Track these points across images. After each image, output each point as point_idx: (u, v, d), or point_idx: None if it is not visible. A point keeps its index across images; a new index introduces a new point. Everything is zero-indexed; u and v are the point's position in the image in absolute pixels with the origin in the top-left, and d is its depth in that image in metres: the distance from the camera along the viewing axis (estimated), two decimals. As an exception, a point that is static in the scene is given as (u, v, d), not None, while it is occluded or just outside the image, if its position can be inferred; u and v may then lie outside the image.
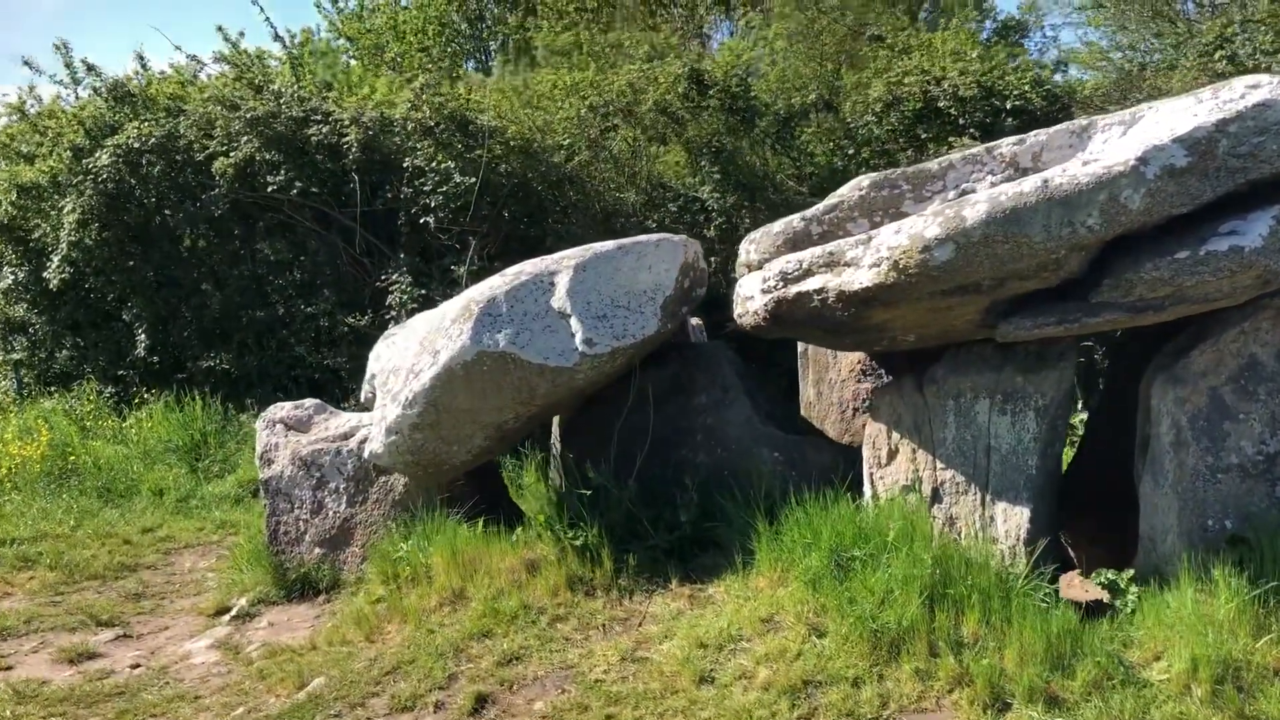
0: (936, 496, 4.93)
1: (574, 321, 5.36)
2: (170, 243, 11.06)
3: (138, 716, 4.85)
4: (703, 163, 9.29)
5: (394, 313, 9.51)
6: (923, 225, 4.18)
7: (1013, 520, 4.72)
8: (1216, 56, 9.33)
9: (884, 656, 4.26)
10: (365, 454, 5.95)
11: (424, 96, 9.57)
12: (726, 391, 5.88)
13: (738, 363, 6.19)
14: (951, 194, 4.77)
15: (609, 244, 5.65)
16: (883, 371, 6.55)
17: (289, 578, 6.41)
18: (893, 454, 5.08)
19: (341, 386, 10.28)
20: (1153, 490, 4.50)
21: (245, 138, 10.15)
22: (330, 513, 6.45)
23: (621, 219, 9.60)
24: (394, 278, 9.61)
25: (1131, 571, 4.52)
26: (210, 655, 5.65)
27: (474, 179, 9.25)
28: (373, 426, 5.98)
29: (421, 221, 9.62)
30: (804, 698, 4.13)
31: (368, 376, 7.31)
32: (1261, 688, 3.77)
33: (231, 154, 10.14)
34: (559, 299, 5.40)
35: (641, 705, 4.24)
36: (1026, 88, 8.88)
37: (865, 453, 5.22)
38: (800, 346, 7.11)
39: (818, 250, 4.66)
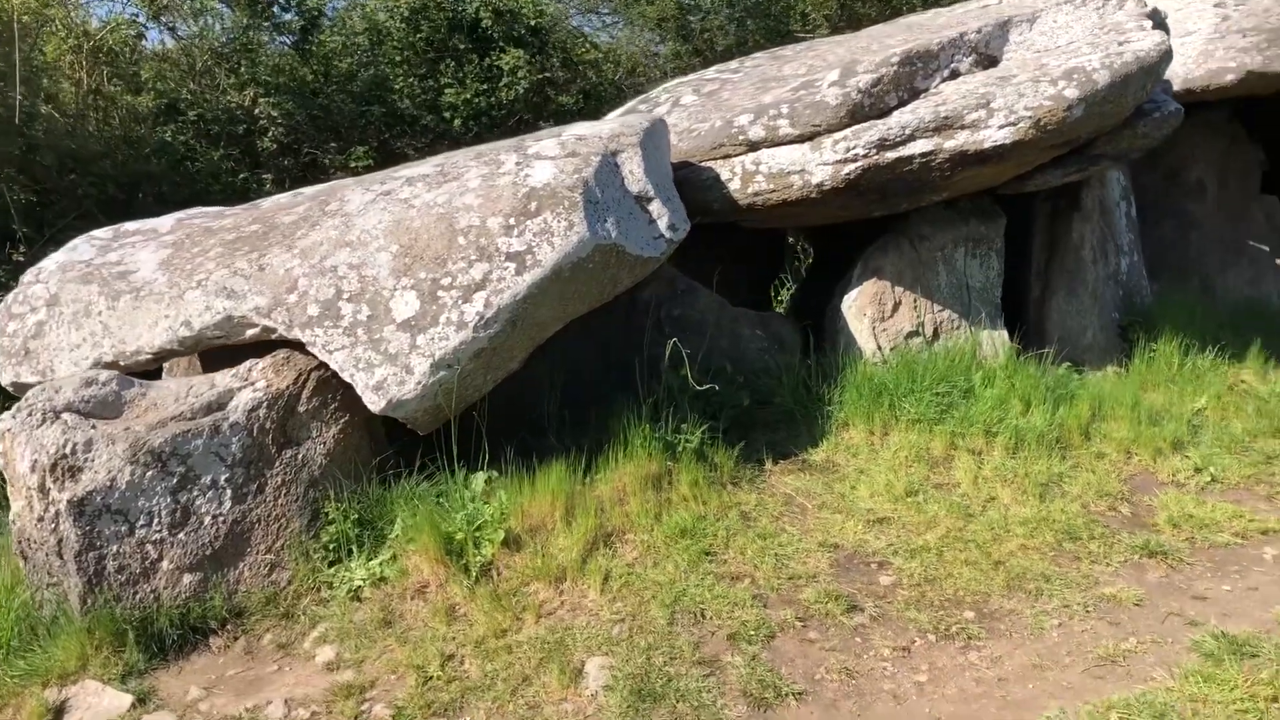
0: (936, 335, 5.72)
1: (656, 206, 4.74)
2: None
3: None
4: (240, 63, 7.68)
5: None
6: (1055, 89, 4.94)
7: (996, 342, 5.80)
8: None
9: (1060, 454, 5.10)
10: (381, 404, 4.32)
11: None
12: (673, 283, 5.65)
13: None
14: (946, 72, 5.48)
15: (639, 118, 5.00)
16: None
17: (154, 628, 4.33)
18: (896, 306, 5.67)
19: None
20: (1067, 300, 6.03)
21: None
22: (207, 519, 4.48)
23: (134, 128, 7.53)
24: None
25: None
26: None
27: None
28: (362, 371, 4.35)
29: None
30: (1060, 494, 4.80)
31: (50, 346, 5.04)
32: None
33: None
34: (636, 181, 4.70)
35: (976, 543, 4.41)
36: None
37: (865, 311, 5.67)
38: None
39: (924, 114, 5.03)
